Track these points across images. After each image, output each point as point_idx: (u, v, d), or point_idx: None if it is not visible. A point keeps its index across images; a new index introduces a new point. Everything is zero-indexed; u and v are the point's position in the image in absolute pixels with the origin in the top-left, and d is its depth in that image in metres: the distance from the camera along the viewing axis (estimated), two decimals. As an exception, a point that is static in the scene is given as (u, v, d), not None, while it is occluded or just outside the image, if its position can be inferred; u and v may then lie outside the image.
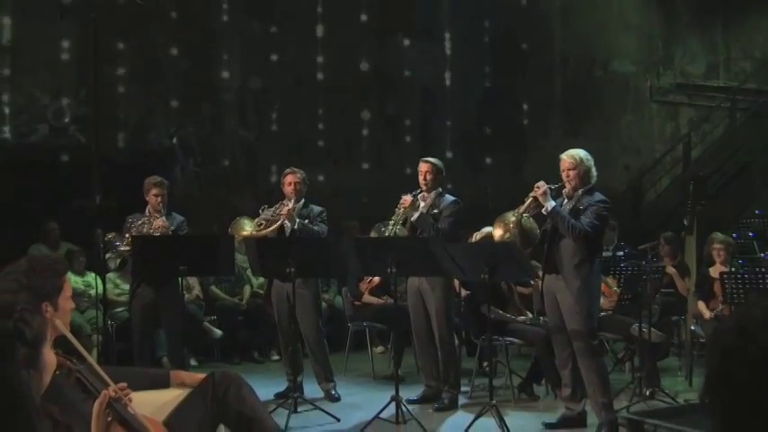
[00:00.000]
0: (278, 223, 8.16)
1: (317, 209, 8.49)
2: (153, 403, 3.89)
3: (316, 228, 8.30)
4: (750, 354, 1.55)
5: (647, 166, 16.57)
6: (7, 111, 11.62)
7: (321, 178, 12.66)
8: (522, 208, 7.20)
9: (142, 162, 11.30)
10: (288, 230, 8.20)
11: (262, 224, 8.22)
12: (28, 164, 11.43)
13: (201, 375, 4.26)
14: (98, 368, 3.22)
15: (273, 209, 8.31)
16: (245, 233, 8.22)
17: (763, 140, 16.36)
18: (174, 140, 12.45)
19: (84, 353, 3.24)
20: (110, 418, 3.10)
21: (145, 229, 8.12)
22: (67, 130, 11.82)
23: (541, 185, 7.07)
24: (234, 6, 13.02)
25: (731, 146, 16.80)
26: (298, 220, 8.21)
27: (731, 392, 1.58)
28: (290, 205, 8.22)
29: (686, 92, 17.17)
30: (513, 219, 7.24)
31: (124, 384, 3.28)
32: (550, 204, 6.96)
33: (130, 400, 3.25)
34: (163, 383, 4.23)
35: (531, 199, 7.11)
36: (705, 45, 17.48)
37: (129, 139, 12.13)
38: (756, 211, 13.47)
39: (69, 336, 3.24)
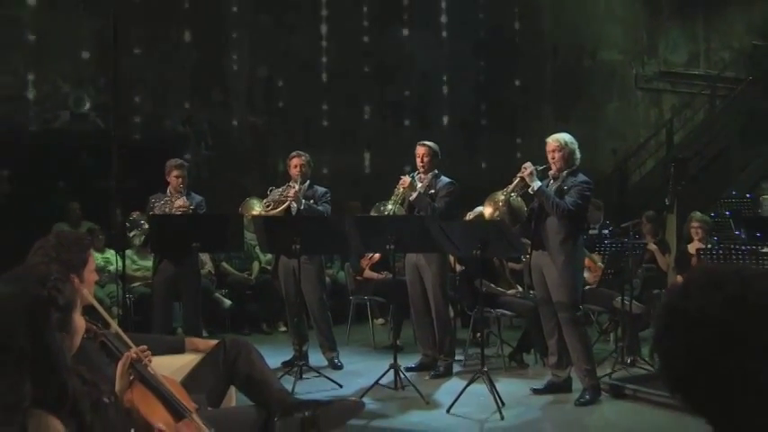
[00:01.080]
0: (285, 204, 8.20)
1: (321, 190, 8.51)
2: (169, 367, 3.96)
3: (320, 208, 8.33)
4: (689, 311, 1.67)
5: (633, 150, 16.60)
6: (32, 99, 11.68)
7: (325, 161, 12.71)
8: (511, 187, 7.28)
9: (157, 146, 11.39)
10: (294, 211, 8.23)
11: (270, 205, 8.26)
12: (51, 148, 11.50)
13: (214, 342, 4.35)
14: (121, 332, 3.34)
15: (281, 190, 8.34)
16: (254, 212, 8.28)
17: (741, 125, 16.40)
18: (187, 126, 12.53)
19: (109, 319, 3.37)
20: (132, 377, 3.23)
21: (167, 209, 8.17)
22: (87, 116, 11.88)
23: (528, 166, 7.15)
24: (243, 1, 13.04)
25: (711, 131, 16.85)
26: (303, 201, 8.23)
27: (673, 346, 1.70)
28: (297, 187, 8.25)
29: (669, 80, 17.22)
30: (502, 197, 7.31)
31: (144, 347, 3.39)
32: (536, 184, 7.05)
33: (150, 361, 3.37)
34: (178, 349, 4.32)
35: (518, 179, 7.19)
36: (687, 36, 17.50)
37: (144, 125, 12.21)
38: (733, 192, 13.53)
39: (95, 303, 3.36)
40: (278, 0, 13.32)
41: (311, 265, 8.31)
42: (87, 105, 11.86)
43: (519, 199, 7.40)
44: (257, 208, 8.32)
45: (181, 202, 8.20)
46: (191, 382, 3.94)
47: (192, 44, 12.67)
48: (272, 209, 8.25)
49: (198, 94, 12.78)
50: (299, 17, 13.45)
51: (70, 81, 11.91)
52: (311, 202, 8.33)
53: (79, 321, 2.65)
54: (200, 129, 12.71)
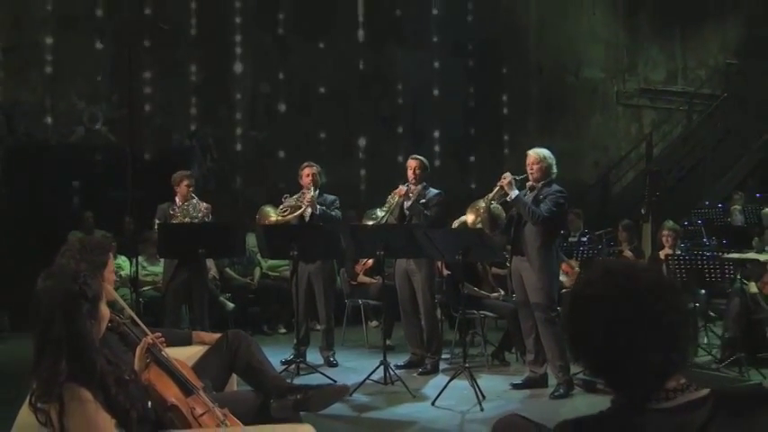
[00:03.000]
0: (301, 209, 8.46)
1: (330, 197, 8.78)
2: (179, 357, 4.16)
3: (333, 213, 8.63)
4: (591, 296, 2.07)
5: (614, 162, 16.74)
6: (49, 115, 11.98)
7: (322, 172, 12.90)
8: (491, 195, 7.60)
9: (165, 160, 11.68)
10: (307, 216, 8.52)
11: (286, 210, 8.51)
12: (66, 161, 11.81)
13: (218, 335, 4.69)
14: (139, 321, 3.71)
15: (296, 197, 8.59)
16: (272, 219, 8.49)
17: (715, 140, 16.62)
18: (193, 140, 12.77)
19: (128, 309, 3.74)
20: (148, 360, 3.60)
21: (191, 211, 8.50)
22: (100, 131, 12.17)
23: (507, 176, 7.47)
24: (246, 22, 13.27)
25: (688, 144, 17.04)
26: (319, 206, 8.51)
27: (577, 323, 2.10)
28: (311, 193, 8.51)
29: (648, 96, 17.33)
30: (483, 205, 7.63)
31: (159, 334, 3.77)
32: (514, 193, 7.36)
33: (164, 346, 3.74)
34: (186, 341, 4.66)
35: (498, 187, 7.51)
36: (665, 55, 17.60)
37: (154, 140, 12.44)
38: (706, 202, 13.75)
39: (117, 297, 3.74)
40: (279, 21, 13.53)
41: (323, 272, 8.68)
42: (101, 121, 12.16)
43: (498, 206, 7.73)
44: (273, 215, 8.54)
45: (203, 206, 8.59)
46: (198, 369, 4.22)
47: (198, 64, 12.90)
48: (288, 214, 8.50)
49: (203, 110, 13.00)
50: (298, 37, 13.66)
51: (85, 99, 12.20)
52: (323, 208, 8.60)
53: (104, 311, 3.05)
54: (206, 143, 12.94)
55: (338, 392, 4.99)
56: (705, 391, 2.08)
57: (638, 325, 2.01)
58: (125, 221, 10.81)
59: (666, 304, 2.04)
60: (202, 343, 4.69)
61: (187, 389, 3.67)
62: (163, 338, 3.78)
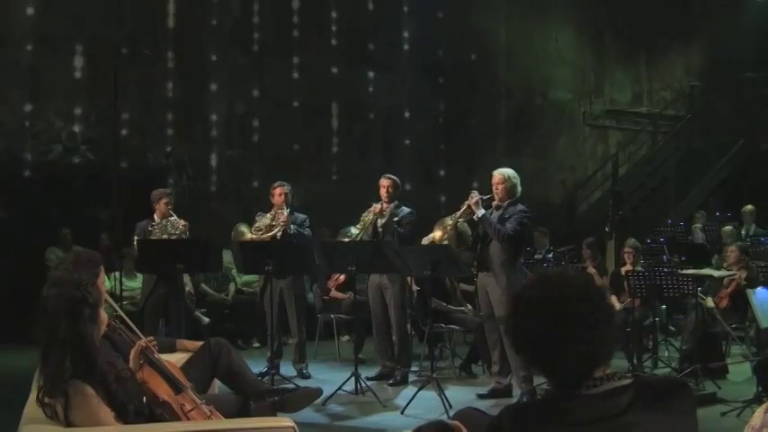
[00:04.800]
0: (276, 229, 8.71)
1: (300, 216, 9.01)
2: None
3: (305, 232, 8.89)
4: (528, 298, 2.46)
5: (581, 182, 16.99)
6: (28, 133, 12.19)
7: (296, 191, 13.09)
8: (458, 213, 7.91)
9: (141, 178, 11.78)
10: (278, 235, 8.72)
11: (261, 229, 8.74)
12: (45, 179, 11.99)
13: (200, 342, 5.02)
14: (133, 326, 4.05)
15: (270, 216, 8.81)
16: (246, 238, 8.73)
17: (679, 160, 17.02)
18: (169, 159, 12.86)
19: (123, 315, 4.07)
20: (142, 361, 3.94)
21: (169, 228, 8.70)
22: (78, 149, 12.39)
23: (474, 195, 7.78)
24: (221, 43, 13.54)
25: (652, 164, 17.37)
26: (293, 226, 8.75)
27: (517, 321, 2.49)
28: (286, 213, 8.73)
29: (614, 117, 17.59)
30: (450, 222, 7.97)
31: (152, 337, 4.10)
32: (480, 212, 7.68)
33: (156, 348, 4.07)
34: (171, 349, 4.93)
35: (465, 206, 7.82)
36: (631, 77, 17.90)
37: (131, 158, 12.54)
38: (668, 221, 14.17)
39: (112, 303, 4.07)
40: (254, 41, 13.81)
41: (294, 287, 8.95)
42: (79, 139, 12.38)
43: (465, 224, 8.08)
44: (247, 234, 8.78)
45: (181, 222, 8.77)
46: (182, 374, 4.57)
47: (175, 83, 13.15)
48: (263, 233, 8.72)
49: (180, 129, 13.22)
50: (273, 58, 13.93)
51: (63, 117, 12.42)
52: (297, 228, 8.84)
53: (103, 315, 3.41)
54: (182, 161, 13.10)
55: (312, 394, 5.33)
56: (628, 380, 2.45)
57: (568, 321, 2.39)
58: (102, 238, 11.12)
59: (593, 305, 2.42)
60: (186, 350, 4.98)
61: (177, 387, 4.01)
62: (155, 341, 4.11)
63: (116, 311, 4.14)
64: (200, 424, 3.80)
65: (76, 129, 12.46)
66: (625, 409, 2.36)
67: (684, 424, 2.49)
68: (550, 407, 2.46)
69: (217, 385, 5.01)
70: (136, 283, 10.13)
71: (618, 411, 2.36)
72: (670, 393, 2.47)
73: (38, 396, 3.33)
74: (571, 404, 2.39)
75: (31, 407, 3.45)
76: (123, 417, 3.37)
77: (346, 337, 11.29)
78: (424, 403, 7.51)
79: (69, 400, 3.24)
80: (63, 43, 12.46)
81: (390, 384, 8.62)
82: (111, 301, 4.09)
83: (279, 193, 8.91)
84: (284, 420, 3.65)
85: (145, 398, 3.72)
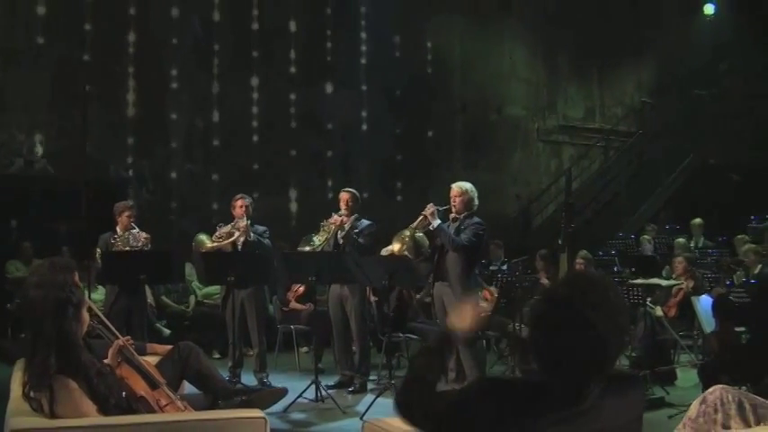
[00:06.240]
0: (235, 236, 8.83)
1: (260, 228, 9.14)
2: None
3: (265, 241, 9.07)
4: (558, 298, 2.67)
5: (535, 195, 17.22)
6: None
7: (255, 204, 13.22)
8: (415, 224, 8.21)
9: (103, 191, 11.77)
10: (240, 244, 8.90)
11: (222, 237, 8.86)
12: (5, 192, 12.00)
13: (170, 346, 5.22)
14: (111, 326, 4.27)
15: (230, 225, 8.95)
16: (207, 246, 8.88)
17: (631, 174, 17.39)
18: (129, 172, 13.11)
19: (102, 316, 4.30)
20: (119, 360, 4.16)
21: (131, 241, 8.83)
22: (39, 163, 12.47)
23: (430, 206, 8.09)
24: (183, 57, 13.71)
25: (605, 178, 17.74)
26: (253, 234, 8.91)
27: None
28: (245, 221, 8.88)
29: (567, 133, 17.88)
30: (408, 233, 8.25)
31: (128, 337, 4.33)
32: (436, 222, 7.99)
33: (133, 346, 4.29)
34: (142, 352, 5.09)
35: (422, 217, 8.12)
36: (583, 93, 18.21)
37: (92, 172, 12.39)
38: (620, 233, 14.51)
39: (92, 305, 4.28)
40: (214, 57, 13.99)
41: (255, 298, 9.09)
42: (40, 153, 12.47)
43: (423, 236, 8.35)
44: (208, 243, 8.93)
45: (143, 235, 8.91)
46: (153, 376, 4.79)
47: (136, 98, 13.26)
48: (223, 240, 8.85)
49: (140, 142, 13.33)
50: (233, 74, 14.11)
51: (24, 131, 12.51)
52: (257, 236, 9.00)
53: (85, 315, 3.65)
54: (142, 174, 13.26)
55: (278, 394, 5.57)
56: None
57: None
58: (62, 251, 11.20)
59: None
60: (155, 353, 5.18)
61: (153, 383, 4.24)
62: (132, 341, 4.34)
63: (96, 313, 4.36)
64: (176, 415, 4.04)
65: (37, 142, 12.57)
66: (585, 396, 2.57)
67: (636, 411, 2.75)
68: (526, 388, 2.65)
69: (186, 387, 5.22)
70: (98, 296, 10.24)
71: (579, 399, 2.57)
72: (626, 383, 2.74)
73: (24, 391, 3.56)
74: (537, 393, 2.59)
75: (17, 401, 3.67)
76: (105, 409, 3.62)
77: (305, 348, 11.35)
78: (383, 409, 7.54)
79: (54, 393, 3.49)
80: (25, 57, 12.55)
81: (350, 392, 8.79)
82: (90, 303, 4.30)
83: (240, 205, 9.06)
84: (255, 411, 3.89)
85: (124, 393, 3.95)
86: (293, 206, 14.39)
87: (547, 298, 2.66)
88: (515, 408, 2.53)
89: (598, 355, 2.53)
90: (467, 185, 8.32)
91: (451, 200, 8.25)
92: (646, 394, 8.34)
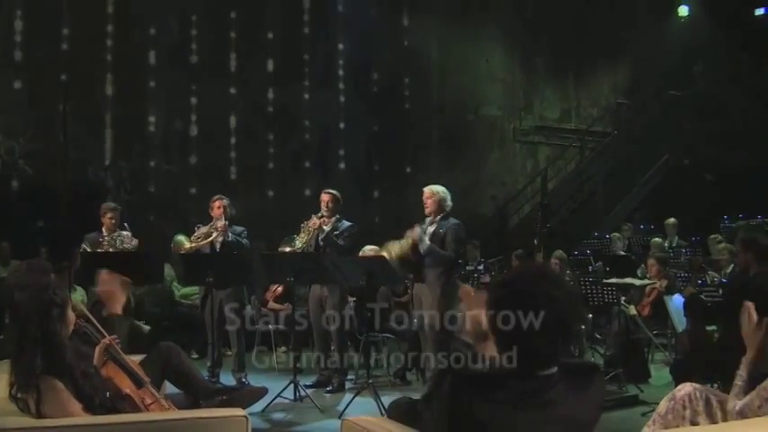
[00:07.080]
0: (213, 236, 8.91)
1: (238, 228, 9.21)
2: None
3: (244, 241, 9.14)
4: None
5: (511, 196, 17.43)
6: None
7: (232, 205, 13.29)
8: (405, 247, 8.40)
9: (81, 192, 11.74)
10: (218, 244, 8.98)
11: (200, 237, 8.94)
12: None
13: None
14: (98, 325, 4.35)
15: (208, 226, 9.02)
16: (186, 247, 8.97)
17: (606, 174, 17.48)
18: (107, 173, 13.10)
19: (89, 315, 4.38)
20: (106, 358, 4.25)
21: (118, 243, 8.95)
22: (17, 163, 12.46)
23: (416, 229, 8.38)
24: (160, 57, 13.74)
25: (580, 179, 17.90)
26: (231, 234, 8.99)
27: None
28: (223, 222, 8.96)
29: (543, 133, 18.11)
30: (398, 253, 8.39)
31: (114, 336, 4.41)
32: (425, 246, 8.26)
33: (119, 346, 4.38)
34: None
35: (411, 241, 8.36)
36: (559, 94, 18.45)
37: (68, 173, 12.50)
38: (595, 233, 14.68)
39: (79, 304, 4.37)
40: (191, 57, 14.04)
41: (235, 298, 9.15)
42: (17, 153, 12.46)
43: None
44: (186, 243, 9.02)
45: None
46: (136, 377, 4.87)
47: (114, 98, 13.28)
48: (201, 240, 8.92)
49: (119, 143, 13.35)
50: (211, 75, 14.14)
51: (2, 131, 12.49)
52: (235, 236, 9.08)
53: (70, 315, 3.74)
54: (121, 175, 13.26)
55: (258, 393, 5.66)
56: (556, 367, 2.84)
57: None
58: (40, 252, 11.20)
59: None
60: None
61: (138, 382, 4.32)
62: (118, 340, 4.42)
63: (83, 312, 4.44)
64: (161, 414, 4.13)
65: (15, 143, 12.54)
66: (549, 387, 2.76)
67: (596, 400, 2.93)
68: (490, 379, 2.83)
69: (167, 387, 5.30)
70: (77, 296, 10.26)
71: (542, 390, 2.75)
72: (587, 375, 2.91)
73: (10, 392, 3.65)
74: (503, 382, 2.76)
75: (3, 402, 3.75)
76: (90, 409, 3.72)
77: (283, 349, 11.32)
78: (361, 408, 7.75)
79: (41, 394, 3.58)
80: (2, 58, 12.54)
81: (328, 391, 8.89)
82: (77, 302, 4.39)
83: (218, 206, 9.13)
84: (236, 410, 4.00)
85: (108, 392, 4.04)
86: (271, 206, 14.39)
87: (501, 282, 2.91)
88: (483, 395, 2.71)
89: (561, 322, 2.76)
90: (438, 187, 8.57)
91: (424, 201, 8.51)
92: (619, 392, 8.53)
